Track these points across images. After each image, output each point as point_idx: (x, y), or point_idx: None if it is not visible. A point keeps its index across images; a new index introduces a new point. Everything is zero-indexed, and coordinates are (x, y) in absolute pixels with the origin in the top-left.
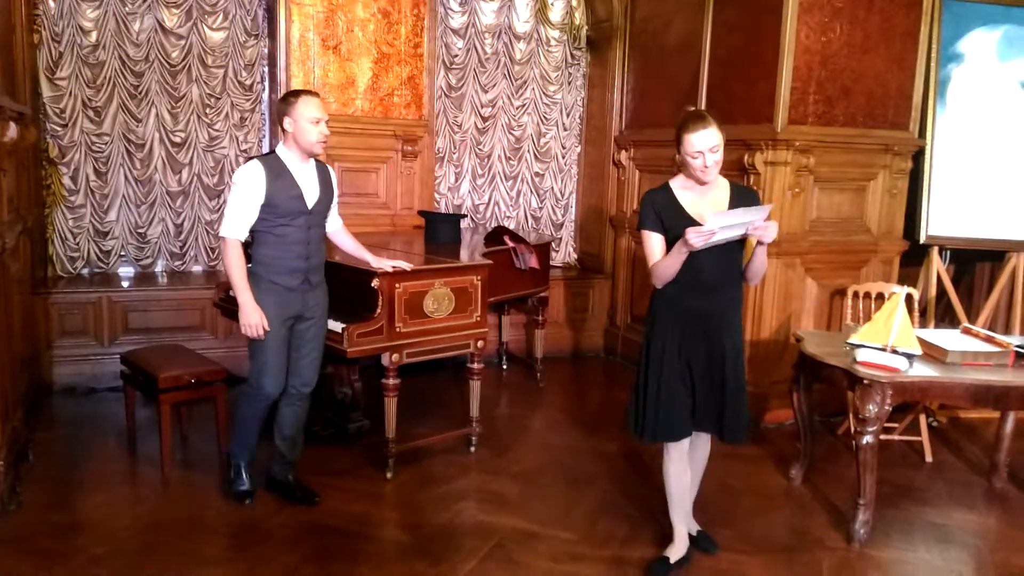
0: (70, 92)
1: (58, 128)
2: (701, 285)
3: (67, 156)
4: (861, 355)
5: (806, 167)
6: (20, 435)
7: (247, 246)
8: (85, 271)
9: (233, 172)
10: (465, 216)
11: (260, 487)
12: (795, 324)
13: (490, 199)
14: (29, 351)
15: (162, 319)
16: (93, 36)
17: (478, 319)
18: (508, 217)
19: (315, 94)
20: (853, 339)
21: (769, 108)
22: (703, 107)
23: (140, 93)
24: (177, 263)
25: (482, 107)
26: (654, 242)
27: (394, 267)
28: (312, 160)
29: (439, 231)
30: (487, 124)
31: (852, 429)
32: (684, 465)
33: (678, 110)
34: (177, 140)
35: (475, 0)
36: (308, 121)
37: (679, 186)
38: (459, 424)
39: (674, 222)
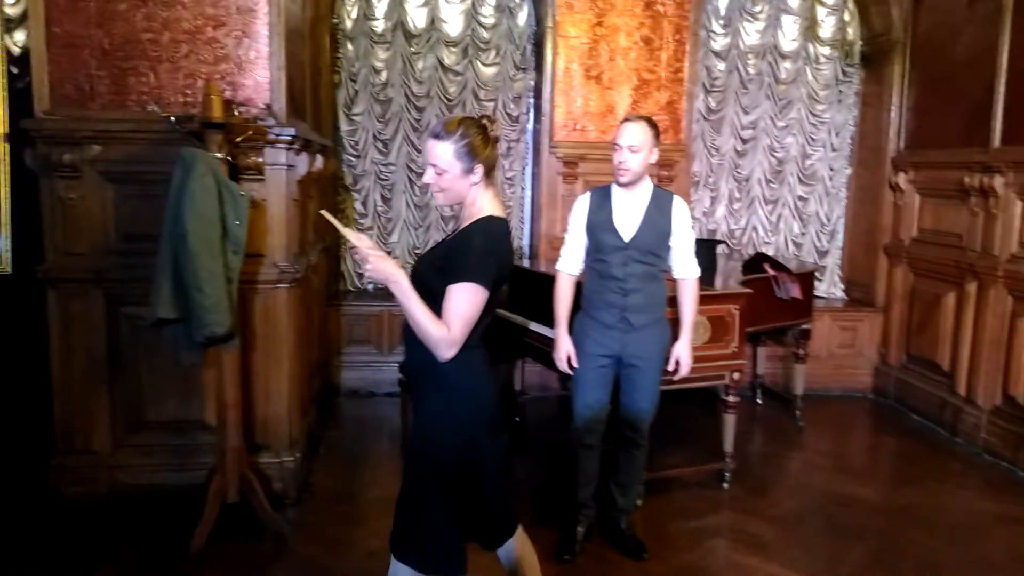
0: (362, 126)
1: (352, 159)
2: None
3: (358, 184)
4: None
5: None
6: (313, 431)
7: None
8: (370, 286)
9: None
10: (723, 242)
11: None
12: None
13: (747, 224)
14: (323, 356)
15: None
16: (383, 75)
17: (735, 350)
18: (767, 243)
19: (627, 119)
20: None
21: None
22: (999, 125)
23: (422, 127)
24: None
25: (742, 129)
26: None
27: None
28: (650, 190)
29: None
30: (747, 147)
31: None
32: None
33: (968, 128)
34: None
35: (739, 21)
36: (612, 147)
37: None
38: (707, 458)
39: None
